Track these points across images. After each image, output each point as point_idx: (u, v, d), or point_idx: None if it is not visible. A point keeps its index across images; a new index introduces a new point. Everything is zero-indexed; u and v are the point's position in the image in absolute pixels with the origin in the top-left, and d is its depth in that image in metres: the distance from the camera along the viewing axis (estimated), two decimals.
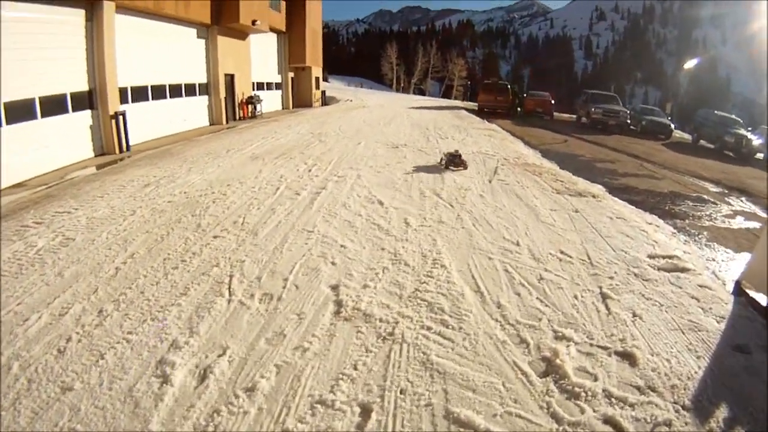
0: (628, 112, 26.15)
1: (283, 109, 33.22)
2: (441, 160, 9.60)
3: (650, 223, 6.65)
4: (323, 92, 40.15)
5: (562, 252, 5.06)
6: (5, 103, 10.97)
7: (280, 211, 6.24)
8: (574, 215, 6.51)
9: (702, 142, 23.70)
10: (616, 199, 8.02)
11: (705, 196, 9.34)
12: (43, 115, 12.26)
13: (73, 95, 13.46)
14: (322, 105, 37.57)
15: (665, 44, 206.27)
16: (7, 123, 10.98)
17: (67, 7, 13.52)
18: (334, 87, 65.81)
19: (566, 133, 20.50)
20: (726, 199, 9.38)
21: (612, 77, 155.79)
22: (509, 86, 32.83)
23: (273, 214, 6.13)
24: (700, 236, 6.50)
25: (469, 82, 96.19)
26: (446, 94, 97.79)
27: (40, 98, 12.23)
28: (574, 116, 31.87)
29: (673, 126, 25.78)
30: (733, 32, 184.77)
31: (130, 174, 9.62)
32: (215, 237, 5.36)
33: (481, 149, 12.09)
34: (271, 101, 31.15)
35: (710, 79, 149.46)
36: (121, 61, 15.54)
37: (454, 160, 9.29)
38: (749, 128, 22.80)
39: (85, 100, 13.89)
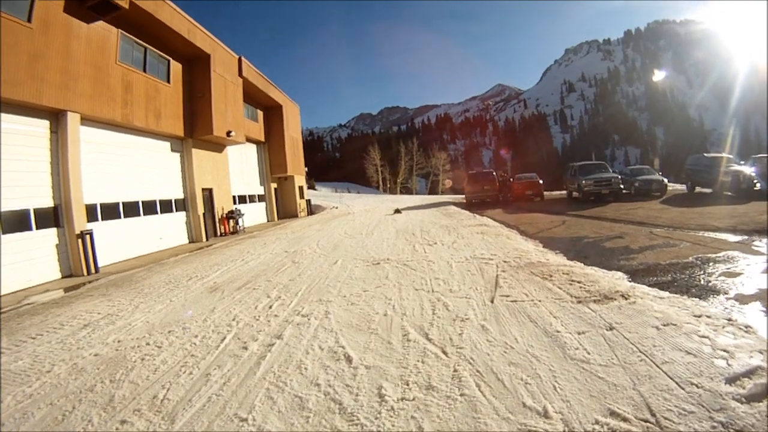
0: (619, 176, 25.48)
1: (268, 221, 32.69)
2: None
3: (699, 316, 5.32)
4: (308, 201, 39.91)
5: (612, 413, 3.49)
6: None
7: (214, 380, 4.76)
8: (610, 336, 5.03)
9: (698, 188, 23.85)
10: (648, 290, 6.67)
11: (733, 252, 8.53)
12: (4, 232, 12.06)
13: (37, 211, 13.32)
14: (308, 214, 37.15)
15: (635, 102, 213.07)
16: None
17: (29, 117, 13.30)
18: (321, 194, 65.96)
19: (561, 212, 19.56)
20: (754, 246, 8.81)
21: (590, 145, 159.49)
22: (494, 173, 32.43)
23: (205, 385, 4.65)
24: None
25: (451, 176, 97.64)
26: (433, 190, 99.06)
27: (1, 213, 12.02)
28: (564, 192, 31.77)
29: (666, 180, 25.32)
30: (695, 73, 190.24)
31: (77, 308, 8.89)
32: (122, 422, 4.02)
33: (476, 253, 10.60)
34: (254, 214, 30.56)
35: (684, 124, 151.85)
36: (89, 176, 15.14)
37: None
38: (741, 162, 22.62)
39: (50, 217, 13.79)
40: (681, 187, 27.07)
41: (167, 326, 6.77)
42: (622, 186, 25.54)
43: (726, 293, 6.28)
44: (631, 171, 27.94)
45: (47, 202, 13.81)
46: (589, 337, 5.04)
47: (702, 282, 6.95)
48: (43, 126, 14.10)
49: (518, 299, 6.62)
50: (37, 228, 13.23)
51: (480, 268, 8.93)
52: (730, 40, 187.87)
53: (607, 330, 5.20)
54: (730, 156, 23.69)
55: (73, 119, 14.77)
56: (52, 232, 13.80)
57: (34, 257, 13.04)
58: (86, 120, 15.83)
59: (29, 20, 13.31)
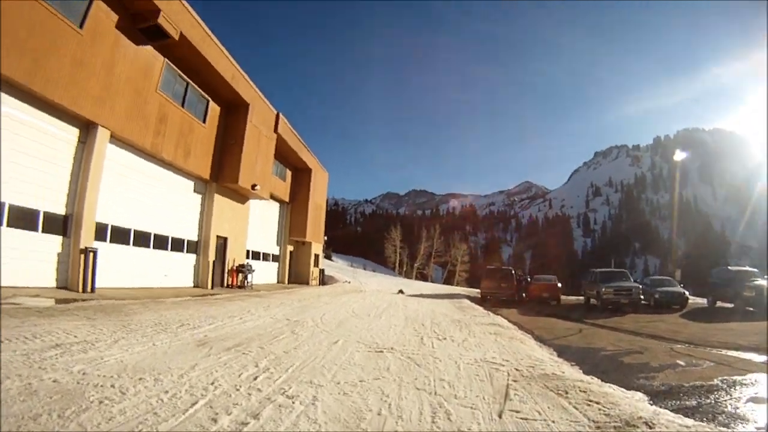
0: (640, 287, 24.52)
1: (277, 282, 32.12)
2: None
3: None
4: (322, 270, 39.38)
5: None
6: None
7: None
8: None
9: (719, 302, 22.98)
10: (672, 417, 5.80)
11: (759, 375, 8.21)
12: (9, 225, 11.94)
13: (47, 215, 13.17)
14: (319, 284, 36.54)
15: (658, 210, 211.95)
16: None
17: (61, 121, 13.25)
18: (336, 266, 65.31)
19: (577, 319, 18.69)
20: None
21: (611, 251, 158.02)
22: (513, 272, 31.74)
23: None
24: None
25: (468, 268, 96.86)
26: (448, 280, 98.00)
27: (10, 205, 11.97)
28: (581, 297, 30.53)
29: (687, 293, 24.33)
30: (721, 185, 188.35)
31: (57, 323, 8.36)
32: None
33: (486, 356, 9.49)
34: (265, 273, 29.99)
35: (705, 234, 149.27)
36: (106, 195, 14.89)
37: None
38: (766, 276, 21.77)
39: (59, 224, 13.61)
40: (702, 301, 26.04)
41: (140, 372, 5.93)
42: (641, 296, 24.61)
43: (755, 422, 5.95)
44: (651, 281, 27.19)
45: (59, 208, 13.63)
46: None
47: (729, 408, 6.49)
48: (72, 133, 14.09)
49: (529, 417, 5.63)
50: (43, 231, 13.02)
51: (490, 373, 7.88)
52: (758, 149, 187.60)
53: None
54: (755, 270, 23.11)
55: (102, 134, 14.73)
56: (57, 239, 13.54)
57: (34, 259, 12.74)
58: (116, 139, 15.78)
59: (81, 26, 13.50)
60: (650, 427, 5.33)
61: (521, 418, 5.56)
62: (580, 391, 6.94)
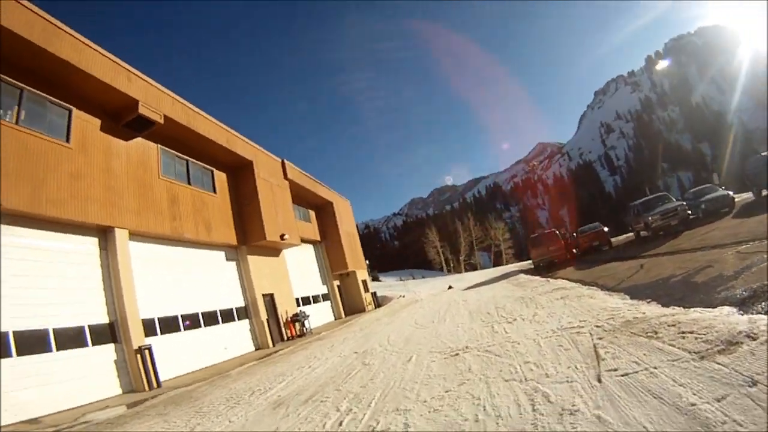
0: (684, 203, 23.35)
1: (335, 319, 31.93)
2: None
3: None
4: (374, 294, 39.03)
5: None
6: (15, 333, 10.83)
7: None
8: (756, 394, 3.82)
9: (765, 191, 22.26)
10: None
11: None
12: (59, 348, 11.89)
13: (92, 328, 13.16)
14: (375, 307, 36.28)
15: (674, 125, 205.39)
16: (18, 354, 10.78)
17: (77, 236, 13.32)
18: (386, 285, 65.02)
19: (635, 256, 17.72)
20: None
21: (642, 179, 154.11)
22: (557, 232, 31.01)
23: None
24: None
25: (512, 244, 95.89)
26: (497, 261, 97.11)
27: (54, 330, 11.91)
28: (630, 233, 30.53)
29: (732, 194, 23.31)
30: (723, 79, 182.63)
31: (132, 428, 8.47)
32: None
33: (562, 322, 9.08)
34: (320, 314, 29.88)
35: (724, 131, 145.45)
36: (144, 291, 14.89)
37: None
38: None
39: (106, 333, 13.62)
40: (747, 196, 25.06)
41: None
42: (689, 212, 23.55)
43: None
44: (693, 194, 26.01)
45: (103, 318, 13.66)
46: (733, 403, 3.83)
47: None
48: (91, 243, 14.21)
49: (629, 371, 5.26)
50: (93, 344, 13.00)
51: (572, 339, 7.49)
52: (743, 34, 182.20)
53: (750, 386, 4.01)
54: None
55: (121, 235, 14.81)
56: (110, 347, 13.55)
57: (92, 374, 12.68)
58: (135, 235, 15.83)
59: (68, 141, 13.74)
60: (754, 339, 5.01)
61: (621, 375, 5.22)
62: (669, 326, 6.56)
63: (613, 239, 31.75)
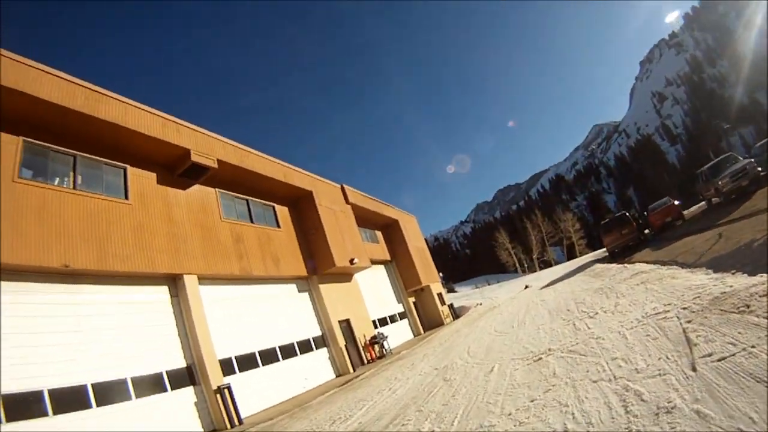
0: (752, 160, 21.65)
1: (414, 336, 31.67)
2: None
3: None
4: (451, 305, 38.64)
5: None
6: (94, 385, 11.18)
7: None
8: None
9: None
10: None
11: None
12: (138, 396, 12.15)
13: (170, 373, 13.41)
14: (453, 319, 35.75)
15: (725, 80, 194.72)
16: (98, 405, 11.04)
17: (147, 286, 13.69)
18: (462, 295, 64.41)
19: (710, 226, 16.66)
20: None
21: (705, 144, 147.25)
22: (626, 214, 29.79)
23: None
24: None
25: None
26: (570, 254, 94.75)
27: (132, 378, 12.22)
28: (702, 202, 29.59)
29: None
30: (763, 22, 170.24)
31: None
32: None
33: (646, 310, 8.48)
34: (398, 333, 29.70)
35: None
36: (219, 332, 15.16)
37: None
38: None
39: (184, 377, 13.85)
40: None
41: None
42: (759, 169, 21.64)
43: None
44: (760, 148, 24.33)
45: (180, 362, 13.92)
46: None
47: None
48: (162, 292, 14.58)
49: (725, 354, 4.79)
50: (172, 389, 13.22)
51: (659, 327, 6.97)
52: None
53: None
54: None
55: (190, 281, 15.09)
56: (189, 390, 13.75)
57: (173, 417, 12.87)
58: (204, 278, 16.10)
59: (126, 197, 14.30)
60: None
61: (718, 360, 4.77)
62: (761, 296, 6.03)
63: (685, 212, 30.33)
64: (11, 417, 9.32)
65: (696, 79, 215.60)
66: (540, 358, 8.27)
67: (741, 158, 23.50)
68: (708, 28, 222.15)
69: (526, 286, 31.98)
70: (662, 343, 6.15)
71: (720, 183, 22.07)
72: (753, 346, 4.66)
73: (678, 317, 7.02)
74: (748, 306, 5.91)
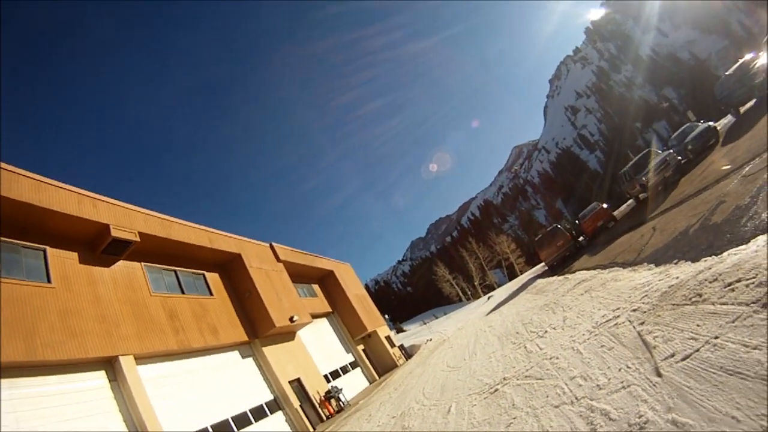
0: (671, 151, 22.51)
1: (370, 383, 31.17)
2: None
3: None
4: (401, 346, 38.43)
5: None
6: None
7: None
8: None
9: (741, 108, 21.86)
10: None
11: None
12: None
13: None
14: (406, 359, 35.40)
15: (632, 82, 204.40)
16: None
17: (82, 373, 13.35)
18: (411, 333, 64.17)
19: (643, 221, 16.91)
20: None
21: (622, 146, 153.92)
22: (558, 226, 30.28)
23: None
24: None
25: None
26: (511, 274, 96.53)
27: None
28: (631, 200, 30.30)
29: (713, 123, 22.66)
30: (663, 20, 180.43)
31: None
32: None
33: (595, 319, 8.37)
34: (353, 383, 29.37)
35: (681, 70, 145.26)
36: (166, 411, 14.54)
37: None
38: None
39: None
40: (727, 120, 24.48)
41: None
42: (679, 158, 22.66)
43: None
44: (676, 139, 25.15)
45: None
46: None
47: None
48: (99, 377, 13.78)
49: (688, 351, 4.68)
50: None
51: (613, 334, 6.84)
52: None
53: None
54: (750, 57, 20.88)
55: (126, 362, 14.35)
56: None
57: None
58: (142, 358, 15.36)
59: (48, 281, 13.54)
60: None
61: (682, 360, 4.64)
62: (710, 282, 5.96)
63: (615, 212, 31.09)
64: None
65: (604, 87, 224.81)
66: (496, 389, 8.04)
67: (659, 151, 24.31)
68: (609, 38, 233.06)
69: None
70: (619, 351, 6.02)
71: (644, 178, 22.74)
72: (716, 337, 4.56)
73: (630, 321, 6.92)
74: (700, 295, 5.83)
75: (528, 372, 7.90)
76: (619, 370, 5.43)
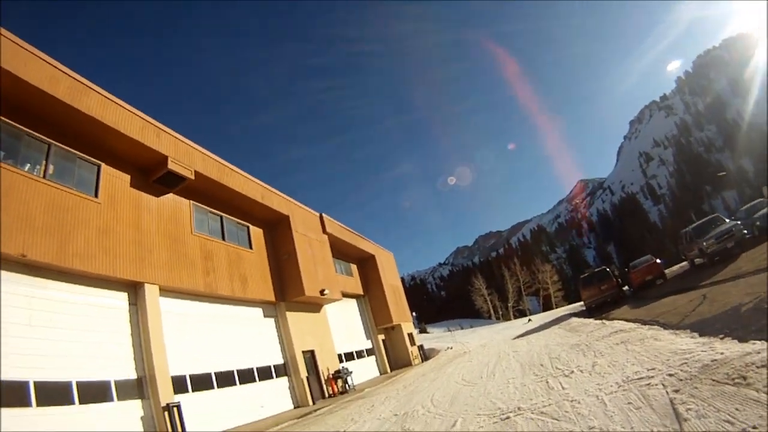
0: (738, 223, 21.32)
1: (380, 374, 31.06)
2: None
3: None
4: (420, 346, 37.88)
5: None
6: (36, 383, 10.59)
7: None
8: None
9: None
10: None
11: None
12: (82, 402, 11.57)
13: (118, 383, 12.85)
14: (422, 360, 35.04)
15: (712, 144, 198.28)
16: (38, 405, 10.46)
17: (106, 290, 13.63)
18: (434, 336, 63.73)
19: (694, 287, 16.15)
20: None
21: (687, 206, 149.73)
22: (607, 269, 29.34)
23: None
24: None
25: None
26: (546, 306, 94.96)
27: (78, 383, 11.63)
28: (684, 263, 29.05)
29: None
30: (753, 89, 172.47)
31: None
32: None
33: (626, 373, 7.83)
34: (364, 369, 29.05)
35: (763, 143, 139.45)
36: (175, 347, 14.52)
37: None
38: None
39: (133, 389, 13.29)
40: None
41: None
42: (745, 231, 21.36)
43: None
44: (746, 212, 24.10)
45: (130, 373, 13.36)
46: None
47: None
48: (121, 298, 14.06)
49: None
50: (118, 399, 12.64)
51: (643, 394, 6.28)
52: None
53: None
54: None
55: (151, 291, 14.58)
56: (137, 403, 13.19)
57: (116, 427, 12.28)
58: (167, 291, 15.57)
59: (96, 196, 13.84)
60: None
61: None
62: (758, 367, 5.45)
63: (666, 270, 29.97)
64: None
65: (684, 141, 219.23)
66: (508, 417, 7.58)
67: (726, 220, 23.25)
68: (698, 92, 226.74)
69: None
70: (647, 414, 5.52)
71: (705, 243, 21.61)
72: (754, 427, 4.11)
73: (664, 385, 6.40)
74: (744, 378, 5.34)
75: (545, 408, 7.44)
76: None
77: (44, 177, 12.40)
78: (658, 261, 27.97)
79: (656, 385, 6.53)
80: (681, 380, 6.31)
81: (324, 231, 27.71)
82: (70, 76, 12.83)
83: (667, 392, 6.02)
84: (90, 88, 13.45)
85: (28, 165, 12.29)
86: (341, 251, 31.74)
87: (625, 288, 29.69)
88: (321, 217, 28.03)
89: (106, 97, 13.95)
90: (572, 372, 9.82)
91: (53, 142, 13.00)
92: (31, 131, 12.45)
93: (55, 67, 12.47)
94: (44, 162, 12.67)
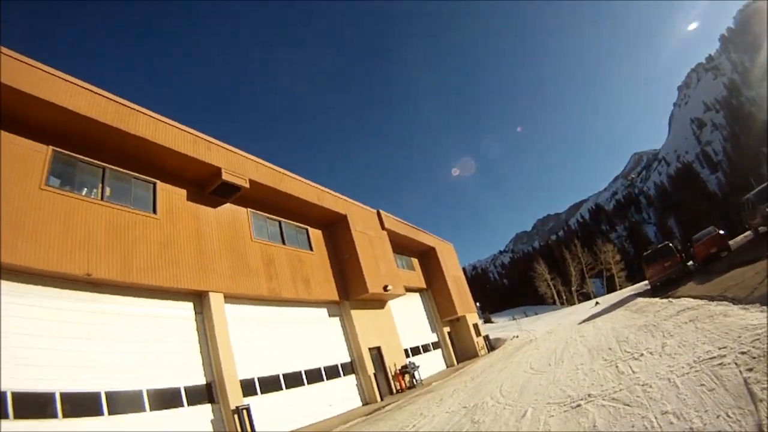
0: None
1: (447, 367, 31.00)
2: None
3: None
4: (486, 337, 37.49)
5: None
6: (107, 393, 11.12)
7: None
8: None
9: None
10: None
11: None
12: (153, 408, 12.03)
13: (188, 389, 13.29)
14: (488, 351, 34.68)
15: (765, 102, 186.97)
16: (109, 414, 10.92)
17: (173, 301, 14.19)
18: (499, 326, 63.23)
19: (759, 257, 15.51)
20: None
21: (746, 171, 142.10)
22: (669, 245, 28.07)
23: None
24: None
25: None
26: (610, 287, 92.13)
27: (148, 391, 12.11)
28: (748, 232, 28.08)
29: None
30: None
31: None
32: None
33: (697, 353, 7.62)
34: (430, 363, 29.04)
35: None
36: (242, 351, 15.63)
37: None
38: None
39: (203, 394, 13.73)
40: None
41: None
42: None
43: None
44: None
45: (199, 379, 13.81)
46: None
47: None
48: (186, 308, 14.56)
49: None
50: (189, 405, 13.08)
51: (715, 375, 6.13)
52: None
53: None
54: None
55: (215, 299, 15.02)
56: (207, 408, 13.63)
57: None
58: (231, 297, 15.97)
59: (154, 212, 14.38)
60: None
61: None
62: None
63: (730, 242, 28.78)
64: (20, 415, 9.26)
65: (734, 102, 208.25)
66: (579, 405, 7.46)
67: None
68: (744, 49, 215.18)
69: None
70: (720, 395, 5.38)
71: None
72: None
73: (736, 364, 6.21)
74: None
75: (616, 394, 7.29)
76: (717, 416, 4.83)
77: (102, 199, 13.01)
78: (721, 232, 26.80)
79: (729, 364, 6.34)
80: (754, 358, 6.12)
81: (382, 227, 27.75)
82: (114, 101, 13.42)
83: (740, 372, 5.85)
84: (136, 110, 13.99)
85: (85, 189, 12.89)
86: (401, 246, 31.75)
87: (690, 263, 28.64)
88: (378, 214, 28.07)
89: (153, 117, 14.50)
90: (642, 355, 9.60)
91: (107, 165, 13.60)
92: (85, 157, 13.08)
93: (98, 93, 13.03)
94: (100, 185, 13.28)
